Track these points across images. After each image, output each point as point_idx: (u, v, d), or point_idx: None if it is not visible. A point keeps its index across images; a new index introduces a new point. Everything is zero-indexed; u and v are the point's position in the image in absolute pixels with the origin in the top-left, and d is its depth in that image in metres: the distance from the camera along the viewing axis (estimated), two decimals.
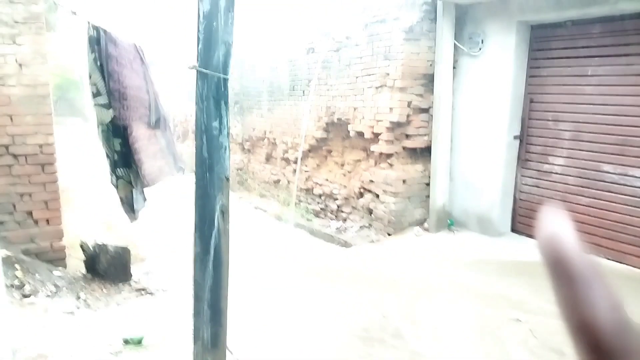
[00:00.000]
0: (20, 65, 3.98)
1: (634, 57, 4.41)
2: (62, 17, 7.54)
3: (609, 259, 4.70)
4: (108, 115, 2.43)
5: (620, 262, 4.61)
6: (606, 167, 4.70)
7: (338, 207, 7.12)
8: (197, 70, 2.03)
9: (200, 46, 2.05)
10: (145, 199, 2.76)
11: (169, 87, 14.42)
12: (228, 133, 2.07)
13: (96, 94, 2.39)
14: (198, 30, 2.04)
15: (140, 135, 2.53)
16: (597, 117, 4.73)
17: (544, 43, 5.18)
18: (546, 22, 5.05)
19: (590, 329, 0.18)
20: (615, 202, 4.66)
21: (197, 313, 2.09)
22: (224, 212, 2.03)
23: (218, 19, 2.03)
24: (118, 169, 2.51)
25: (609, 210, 4.70)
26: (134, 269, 4.66)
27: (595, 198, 4.82)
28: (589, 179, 4.85)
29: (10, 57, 3.93)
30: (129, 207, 2.65)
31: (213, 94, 2.04)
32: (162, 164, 2.75)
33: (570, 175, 5.03)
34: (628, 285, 4.15)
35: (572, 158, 4.99)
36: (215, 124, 2.00)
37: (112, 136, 2.43)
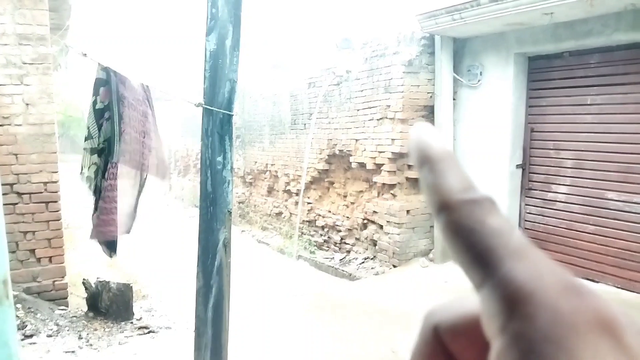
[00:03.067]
0: (27, 104, 4.04)
1: (632, 86, 4.47)
2: (71, 57, 7.72)
3: (616, 286, 4.63)
4: (92, 160, 2.46)
5: (628, 290, 4.54)
6: (610, 195, 4.68)
7: (341, 238, 7.07)
8: (202, 107, 2.06)
9: (206, 83, 2.09)
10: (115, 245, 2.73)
11: (171, 122, 14.60)
12: (232, 168, 2.08)
13: (87, 137, 2.42)
14: (204, 68, 2.08)
15: (123, 185, 2.55)
16: (599, 145, 4.75)
17: (542, 74, 5.26)
18: (543, 53, 5.15)
19: (446, 202, 0.21)
20: (620, 230, 4.62)
21: (198, 348, 2.05)
22: (227, 246, 2.02)
23: (224, 58, 2.07)
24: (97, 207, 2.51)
25: (615, 238, 4.66)
26: (137, 307, 4.59)
27: (600, 225, 4.79)
28: (593, 206, 4.83)
29: (17, 97, 4.00)
30: (107, 243, 2.65)
31: (218, 130, 2.06)
32: (122, 220, 2.72)
33: (574, 204, 5.01)
34: (636, 314, 4.05)
35: (575, 186, 4.99)
36: (220, 158, 2.02)
37: (102, 177, 2.44)
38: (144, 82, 2.44)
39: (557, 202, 5.17)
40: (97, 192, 2.52)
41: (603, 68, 4.67)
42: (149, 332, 4.12)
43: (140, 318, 4.48)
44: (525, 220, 5.52)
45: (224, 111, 2.07)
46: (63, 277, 4.34)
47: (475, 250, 0.20)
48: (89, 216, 2.68)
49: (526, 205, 5.50)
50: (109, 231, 2.62)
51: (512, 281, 0.18)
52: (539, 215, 5.38)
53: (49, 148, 4.15)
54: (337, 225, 7.15)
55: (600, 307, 0.18)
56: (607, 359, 0.16)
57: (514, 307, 0.18)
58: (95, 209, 2.56)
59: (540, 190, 5.36)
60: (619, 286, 4.60)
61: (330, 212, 7.36)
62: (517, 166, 5.46)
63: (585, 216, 4.91)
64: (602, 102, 4.71)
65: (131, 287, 4.52)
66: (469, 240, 0.20)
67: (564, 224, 5.11)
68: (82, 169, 2.53)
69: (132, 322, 4.31)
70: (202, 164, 2.07)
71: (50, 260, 4.22)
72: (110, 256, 2.78)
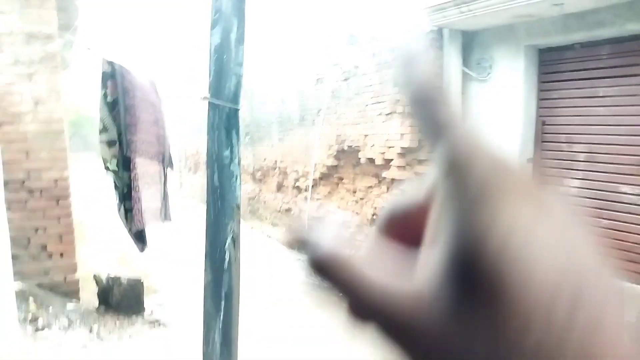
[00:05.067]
0: (36, 102, 4.08)
1: None
2: (78, 55, 7.78)
3: (630, 282, 4.56)
4: (112, 152, 2.46)
5: None
6: (624, 188, 4.61)
7: (351, 235, 7.04)
8: (208, 101, 2.06)
9: (211, 78, 2.08)
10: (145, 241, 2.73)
11: (181, 119, 14.68)
12: (239, 162, 2.07)
13: (102, 130, 2.43)
14: (209, 62, 2.08)
15: (145, 174, 2.55)
16: (612, 138, 4.68)
17: (553, 66, 5.18)
18: (554, 45, 5.07)
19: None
20: (635, 224, 4.55)
21: (207, 342, 2.05)
22: (235, 240, 2.01)
23: (229, 52, 2.06)
24: (127, 202, 2.52)
25: (629, 232, 4.59)
26: (147, 301, 4.63)
27: (613, 220, 4.71)
28: (606, 200, 4.76)
29: (26, 95, 4.04)
30: (137, 237, 2.64)
31: (224, 124, 2.06)
32: (156, 208, 2.74)
33: (587, 197, 4.94)
34: None
35: (588, 180, 4.92)
36: (227, 153, 2.01)
37: (122, 169, 2.45)
38: (149, 77, 2.44)
39: (569, 197, 5.09)
40: (123, 183, 2.53)
41: (615, 59, 4.59)
42: (159, 326, 4.15)
43: (151, 312, 4.51)
44: None
45: (230, 105, 2.06)
46: (74, 272, 4.39)
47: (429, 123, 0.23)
48: (113, 211, 2.68)
49: None
50: (144, 221, 2.62)
51: (454, 147, 0.21)
52: None
53: (58, 145, 4.19)
54: (347, 222, 7.12)
55: (527, 179, 0.21)
56: (525, 218, 0.18)
57: (451, 168, 0.20)
58: (122, 200, 2.55)
59: (551, 185, 5.28)
60: (633, 282, 4.53)
61: (339, 207, 7.35)
62: (528, 160, 5.39)
63: (598, 210, 4.84)
64: (614, 94, 4.63)
65: (142, 281, 4.56)
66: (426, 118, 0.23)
67: None
68: (105, 163, 2.53)
69: (142, 317, 4.34)
70: (209, 158, 2.07)
71: (61, 256, 4.26)
72: (142, 250, 2.79)
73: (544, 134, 5.31)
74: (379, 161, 6.29)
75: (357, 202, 6.99)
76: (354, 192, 7.08)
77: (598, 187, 4.83)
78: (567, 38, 4.81)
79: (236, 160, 2.02)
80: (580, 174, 4.98)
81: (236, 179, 2.02)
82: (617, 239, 4.69)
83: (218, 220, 2.01)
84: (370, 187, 6.70)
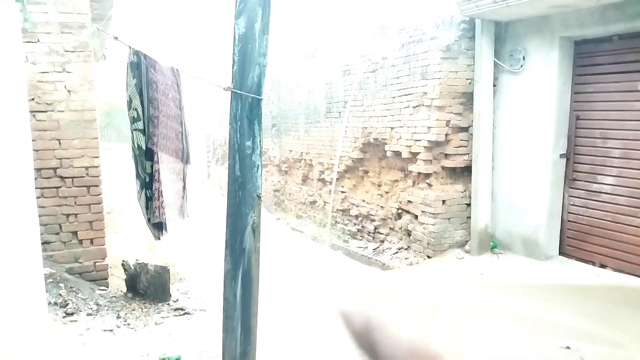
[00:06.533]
0: (69, 91, 4.18)
1: None
2: (113, 46, 7.93)
3: None
4: (144, 140, 2.49)
5: None
6: None
7: (375, 228, 7.01)
8: (231, 91, 2.06)
9: (235, 67, 2.07)
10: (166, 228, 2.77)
11: (209, 109, 14.85)
12: (261, 152, 2.07)
13: (136, 119, 2.46)
14: (233, 52, 2.07)
15: (167, 168, 2.58)
16: None
17: (589, 58, 4.99)
18: (590, 37, 4.88)
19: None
20: None
21: (226, 330, 2.07)
22: (255, 230, 2.02)
23: (253, 41, 2.05)
24: (147, 190, 2.55)
25: None
26: (173, 289, 4.72)
27: None
28: None
29: (59, 84, 4.14)
30: (155, 225, 2.68)
31: (247, 114, 2.05)
32: (178, 205, 2.77)
33: (621, 195, 4.76)
34: None
35: (622, 177, 4.73)
36: (249, 143, 2.01)
37: (145, 158, 2.48)
38: (174, 66, 2.46)
39: (603, 194, 4.93)
40: (144, 174, 2.56)
41: None
42: (184, 314, 4.23)
43: (177, 300, 4.60)
44: (569, 212, 5.29)
45: (253, 95, 2.05)
46: (104, 258, 4.50)
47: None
48: (134, 199, 2.73)
49: (570, 196, 5.27)
50: (164, 215, 2.67)
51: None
52: (583, 207, 5.15)
53: (90, 134, 4.29)
54: (371, 215, 7.09)
55: None
56: None
57: None
58: (143, 188, 2.59)
59: (585, 181, 5.12)
60: None
61: (364, 201, 7.31)
62: (561, 155, 5.23)
63: (632, 209, 4.65)
64: None
65: (168, 269, 4.65)
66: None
67: (609, 217, 4.87)
68: (134, 151, 2.57)
69: (168, 304, 4.43)
70: (231, 148, 2.07)
71: (91, 242, 4.38)
72: (159, 238, 2.83)
73: (577, 129, 5.13)
74: (405, 154, 6.21)
75: (381, 195, 6.94)
76: (379, 185, 7.03)
77: (632, 185, 4.65)
78: (605, 30, 4.61)
79: (258, 151, 2.01)
80: (615, 171, 4.80)
81: (257, 169, 2.02)
82: None
83: (238, 209, 2.01)
84: (396, 180, 6.63)
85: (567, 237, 5.34)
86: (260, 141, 2.07)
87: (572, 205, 5.27)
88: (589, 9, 4.57)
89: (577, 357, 3.16)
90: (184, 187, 2.92)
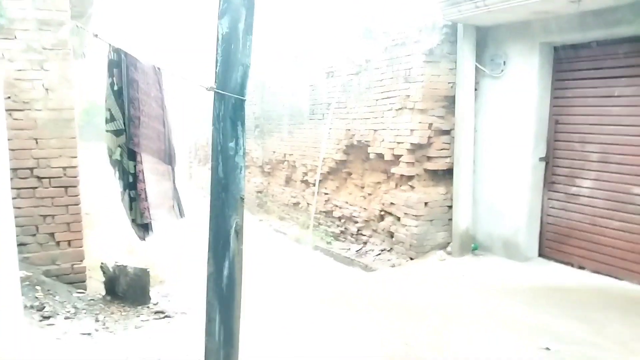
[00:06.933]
0: (47, 90, 4.09)
1: None
2: (93, 44, 7.80)
3: None
4: (118, 141, 2.44)
5: None
6: (637, 190, 4.52)
7: (358, 230, 7.03)
8: (214, 92, 2.03)
9: (218, 68, 2.05)
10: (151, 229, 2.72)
11: (192, 109, 14.71)
12: (244, 154, 2.05)
13: (110, 120, 2.41)
14: (217, 52, 2.05)
15: (151, 168, 2.54)
16: (626, 139, 4.59)
17: (568, 64, 5.09)
18: (570, 43, 4.97)
19: None
20: None
21: (208, 334, 2.05)
22: (238, 232, 2.00)
23: (236, 42, 2.03)
24: (131, 191, 2.51)
25: None
26: (153, 292, 4.64)
27: (625, 221, 4.63)
28: (618, 201, 4.68)
29: (37, 82, 4.05)
30: (140, 226, 2.63)
31: (230, 115, 2.03)
32: (169, 205, 2.73)
33: (599, 198, 4.86)
34: None
35: (600, 180, 4.83)
36: (232, 144, 1.99)
37: (127, 158, 2.43)
38: (155, 65, 2.42)
39: (581, 197, 5.02)
40: (127, 175, 2.51)
41: (632, 58, 4.49)
42: (165, 317, 4.16)
43: (157, 303, 4.53)
44: (548, 215, 5.38)
45: (236, 96, 2.03)
46: (82, 260, 4.41)
47: None
48: (117, 200, 2.67)
49: (549, 199, 5.36)
50: (152, 216, 2.62)
51: None
52: (562, 209, 5.24)
53: (68, 133, 4.20)
54: (354, 217, 7.10)
55: None
56: None
57: None
58: (126, 189, 2.54)
59: (563, 184, 5.21)
60: None
61: (347, 203, 7.32)
62: (540, 159, 5.31)
63: (610, 211, 4.76)
64: (630, 94, 4.53)
65: (148, 272, 4.57)
66: None
67: (587, 219, 4.96)
68: (109, 153, 2.52)
69: (148, 307, 4.35)
70: (214, 149, 2.05)
71: (69, 244, 4.28)
72: (144, 238, 2.78)
73: (557, 133, 5.23)
74: (388, 157, 6.24)
75: (364, 197, 6.95)
76: (362, 187, 7.04)
77: (610, 189, 4.75)
78: (584, 36, 4.71)
79: (241, 152, 1.99)
80: (593, 175, 4.90)
81: (240, 170, 2.00)
82: (628, 241, 4.62)
83: (221, 211, 1.99)
84: (379, 182, 6.66)
85: (547, 239, 5.43)
86: (243, 142, 2.05)
87: (551, 207, 5.35)
88: (569, 15, 4.66)
89: (557, 358, 3.20)
90: (174, 187, 2.88)
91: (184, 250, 6.75)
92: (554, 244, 5.36)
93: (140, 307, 4.30)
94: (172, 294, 4.94)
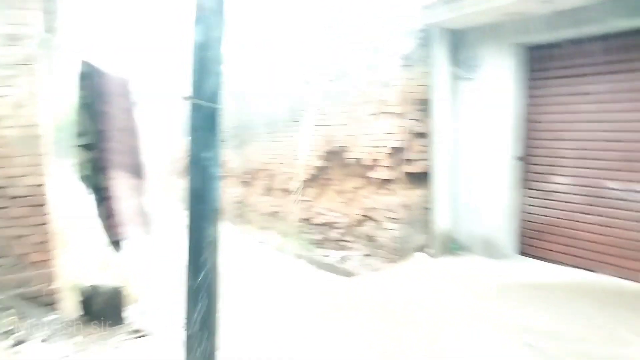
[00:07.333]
0: (15, 106, 3.94)
1: (632, 74, 4.39)
2: (64, 58, 7.62)
3: (618, 276, 4.56)
4: (89, 156, 2.37)
5: (630, 280, 4.47)
6: (611, 184, 4.61)
7: (340, 236, 6.99)
8: (189, 101, 1.99)
9: (192, 77, 2.01)
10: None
11: (168, 120, 14.49)
12: (220, 164, 2.00)
13: (81, 134, 2.33)
14: (191, 61, 2.01)
15: (121, 183, 2.47)
16: (599, 135, 4.68)
17: (542, 63, 5.18)
18: (542, 42, 5.06)
19: None
20: (622, 219, 4.55)
21: (189, 350, 1.99)
22: (216, 244, 1.95)
23: (210, 50, 2.00)
24: (101, 207, 2.43)
25: (617, 228, 4.59)
26: (130, 309, 4.51)
27: (601, 216, 4.72)
28: (594, 196, 4.76)
29: (6, 99, 3.90)
30: (112, 242, 2.56)
31: (205, 124, 1.99)
32: (138, 221, 2.66)
33: (575, 194, 4.93)
34: (638, 303, 4.02)
35: (576, 177, 4.91)
36: (208, 154, 1.95)
37: (97, 173, 2.36)
38: (125, 77, 2.35)
39: (558, 193, 5.09)
40: (98, 190, 2.43)
41: (604, 56, 4.58)
42: (142, 336, 4.04)
43: (134, 321, 4.40)
44: (526, 213, 5.44)
45: (211, 104, 1.99)
46: (55, 281, 4.25)
47: None
48: (91, 215, 2.59)
49: (526, 197, 5.42)
50: (122, 231, 2.54)
51: None
52: (539, 207, 5.31)
53: (38, 150, 4.05)
54: (336, 223, 7.07)
55: None
56: None
57: None
58: (99, 206, 2.47)
59: (540, 182, 5.28)
60: (620, 276, 4.54)
61: (328, 209, 7.28)
62: (517, 158, 5.38)
63: (587, 206, 4.83)
64: (602, 90, 4.63)
65: (123, 290, 4.44)
66: None
67: (565, 215, 5.03)
68: (79, 168, 2.44)
69: (126, 326, 4.22)
70: (189, 160, 2.00)
71: (41, 265, 4.12)
72: (117, 251, 2.70)
73: (532, 132, 5.30)
74: (366, 161, 6.23)
75: (345, 203, 6.93)
76: (342, 193, 7.02)
77: (586, 184, 4.83)
78: (557, 35, 4.80)
79: (217, 162, 1.95)
80: (569, 171, 4.98)
81: (217, 181, 1.95)
82: (604, 235, 4.70)
83: (199, 224, 1.94)
84: (359, 187, 6.64)
85: (525, 236, 5.49)
86: (219, 152, 2.00)
87: (529, 205, 5.42)
88: (542, 15, 4.73)
89: (539, 353, 3.21)
90: (143, 202, 2.80)
91: (162, 265, 6.60)
92: (532, 241, 5.42)
93: (117, 326, 4.17)
94: (150, 311, 4.81)
